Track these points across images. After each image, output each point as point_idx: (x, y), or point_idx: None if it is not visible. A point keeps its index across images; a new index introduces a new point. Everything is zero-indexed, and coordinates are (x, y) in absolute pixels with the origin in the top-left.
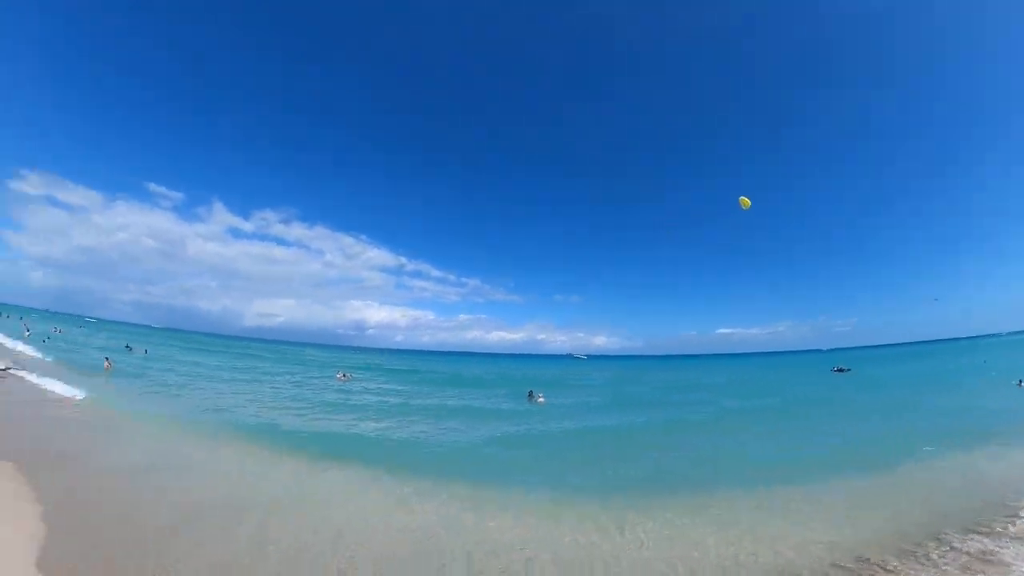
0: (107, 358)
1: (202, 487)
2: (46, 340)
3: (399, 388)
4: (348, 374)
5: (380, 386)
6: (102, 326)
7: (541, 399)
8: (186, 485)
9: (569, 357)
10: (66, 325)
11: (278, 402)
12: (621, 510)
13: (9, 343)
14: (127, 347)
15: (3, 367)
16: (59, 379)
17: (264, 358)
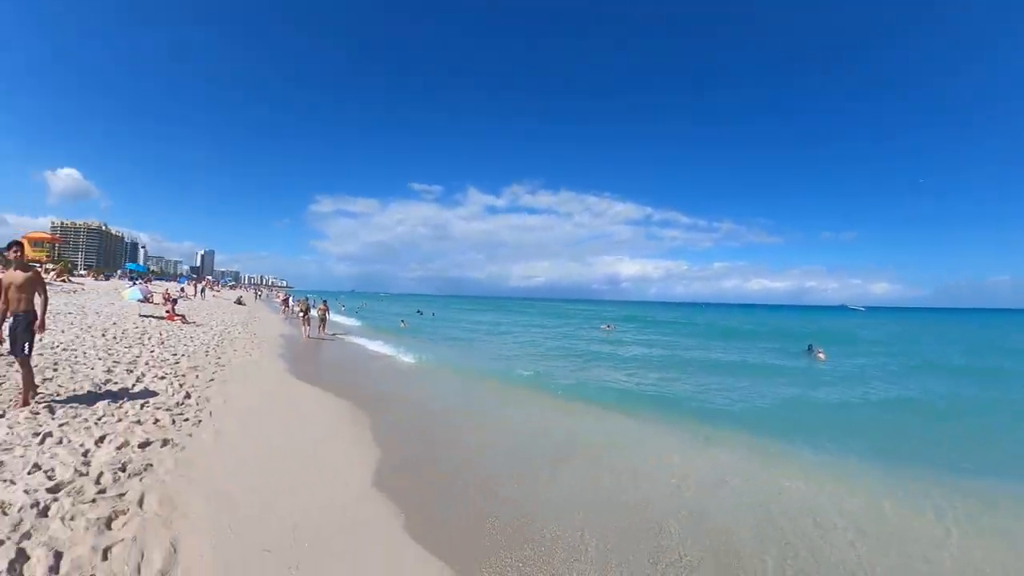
0: (403, 320)
1: (498, 427)
2: (357, 311)
3: (663, 339)
4: (612, 325)
5: (644, 337)
6: (395, 298)
7: (821, 354)
8: (485, 424)
9: (843, 308)
10: (368, 300)
11: (553, 351)
12: (924, 489)
13: (332, 316)
14: (418, 312)
15: (332, 333)
16: (371, 339)
17: (531, 313)
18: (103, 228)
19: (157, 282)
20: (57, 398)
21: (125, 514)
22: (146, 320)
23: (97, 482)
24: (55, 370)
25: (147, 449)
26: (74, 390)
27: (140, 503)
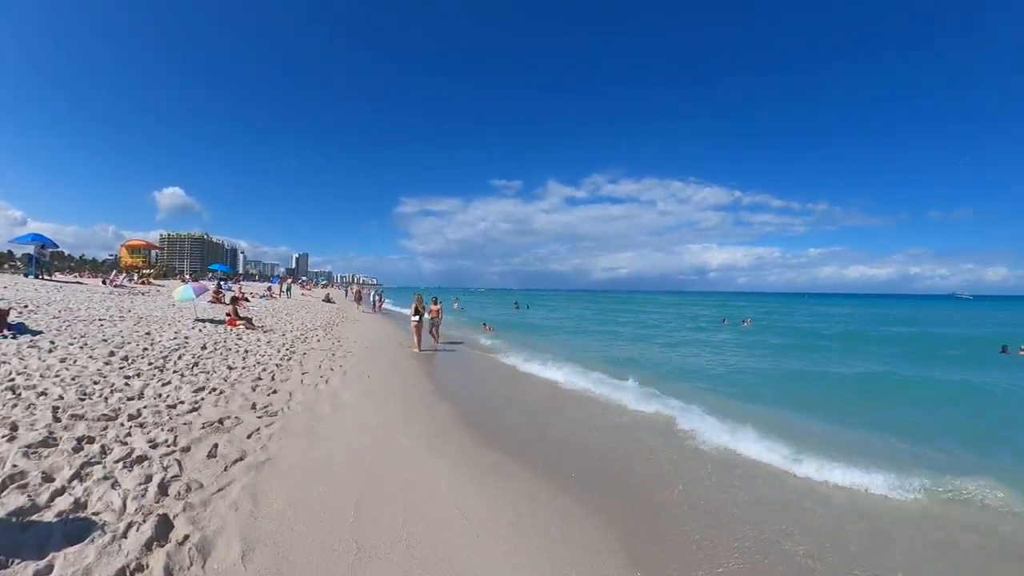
0: (485, 324)
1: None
2: (455, 310)
3: (784, 340)
4: (749, 320)
5: (776, 340)
6: (480, 294)
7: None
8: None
9: (952, 297)
10: (459, 296)
11: (698, 356)
12: None
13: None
14: (515, 305)
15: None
16: (506, 352)
17: (624, 307)
18: (204, 237)
19: (247, 282)
20: None
21: None
22: (198, 326)
23: None
24: None
25: None
26: None
27: None
